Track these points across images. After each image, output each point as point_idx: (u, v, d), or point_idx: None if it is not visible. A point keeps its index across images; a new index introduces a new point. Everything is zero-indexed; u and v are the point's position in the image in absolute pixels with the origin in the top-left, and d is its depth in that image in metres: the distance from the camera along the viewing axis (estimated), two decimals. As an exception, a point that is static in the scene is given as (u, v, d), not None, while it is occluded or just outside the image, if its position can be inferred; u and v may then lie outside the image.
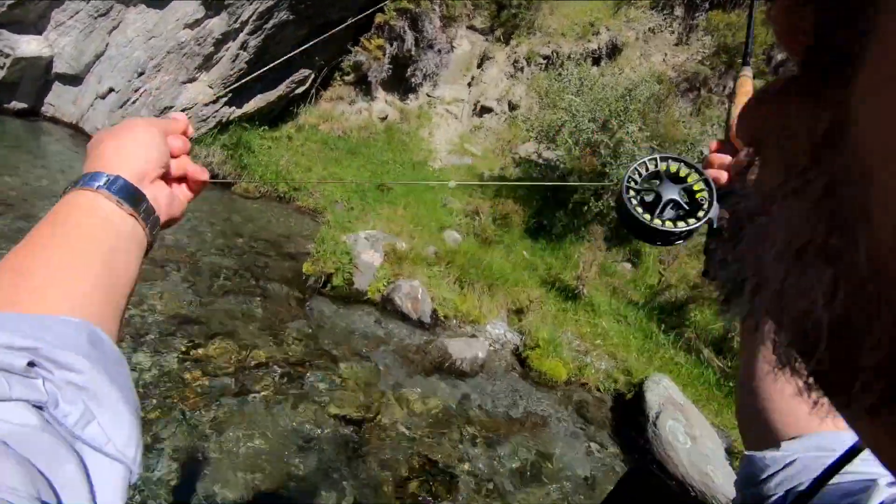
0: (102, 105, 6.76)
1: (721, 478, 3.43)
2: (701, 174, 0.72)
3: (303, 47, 2.10)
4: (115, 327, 0.46)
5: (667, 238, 0.71)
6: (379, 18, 8.98)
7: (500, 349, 4.81)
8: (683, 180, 0.73)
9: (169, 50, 6.47)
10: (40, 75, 6.80)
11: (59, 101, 6.99)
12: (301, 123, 8.67)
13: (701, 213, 0.69)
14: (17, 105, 6.86)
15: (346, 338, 4.24)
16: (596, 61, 10.25)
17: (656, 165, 0.74)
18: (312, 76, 8.52)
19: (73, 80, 6.88)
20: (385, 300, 4.84)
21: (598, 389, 4.58)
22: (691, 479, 3.48)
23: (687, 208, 0.71)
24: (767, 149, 0.21)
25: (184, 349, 3.48)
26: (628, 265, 6.91)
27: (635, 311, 5.78)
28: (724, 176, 0.73)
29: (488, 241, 6.39)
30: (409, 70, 9.97)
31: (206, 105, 6.85)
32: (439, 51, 10.26)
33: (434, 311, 4.86)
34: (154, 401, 2.96)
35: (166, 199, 0.55)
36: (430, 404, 3.70)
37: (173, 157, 0.59)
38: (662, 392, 4.17)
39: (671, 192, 0.71)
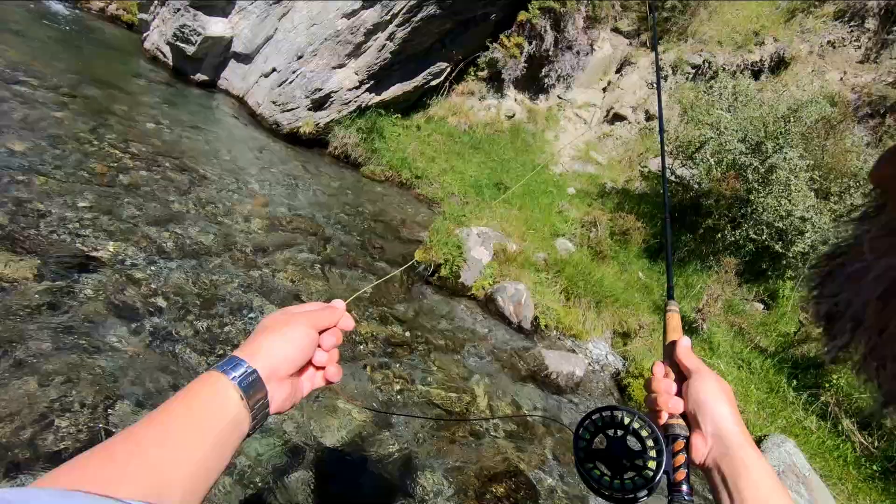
0: (265, 83, 7.58)
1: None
2: (650, 426, 0.69)
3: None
4: None
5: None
6: (521, 16, 8.92)
7: (598, 370, 4.57)
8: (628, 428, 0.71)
9: (326, 37, 7.05)
10: (220, 53, 7.82)
11: (232, 76, 7.99)
12: (431, 114, 8.96)
13: (649, 472, 0.66)
14: (199, 77, 7.97)
15: (444, 328, 4.32)
16: (755, 75, 9.21)
17: (611, 418, 0.72)
18: (448, 69, 8.74)
19: (245, 58, 7.80)
20: (488, 299, 4.84)
21: (705, 436, 4.15)
22: (807, 565, 3.02)
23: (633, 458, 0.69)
24: (888, 194, 0.21)
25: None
26: (760, 305, 6.15)
27: (761, 358, 5.13)
28: (674, 406, 0.70)
29: (602, 255, 6.09)
30: (543, 70, 9.80)
31: (350, 90, 7.36)
32: (578, 52, 9.94)
33: (535, 318, 4.75)
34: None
35: (282, 397, 0.64)
36: (519, 412, 3.64)
37: (324, 350, 0.71)
38: (784, 457, 3.66)
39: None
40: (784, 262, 5.97)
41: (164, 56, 8.12)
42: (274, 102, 7.37)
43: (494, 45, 9.06)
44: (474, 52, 9.02)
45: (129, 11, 9.45)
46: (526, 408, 3.71)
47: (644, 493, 0.64)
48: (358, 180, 7.07)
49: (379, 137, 7.62)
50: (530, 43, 9.24)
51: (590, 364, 4.55)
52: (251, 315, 3.42)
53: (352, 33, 6.96)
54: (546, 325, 4.77)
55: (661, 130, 1.29)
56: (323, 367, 0.72)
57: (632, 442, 0.69)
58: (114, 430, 2.27)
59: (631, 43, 10.78)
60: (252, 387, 0.58)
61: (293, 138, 7.37)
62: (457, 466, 2.93)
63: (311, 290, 4.07)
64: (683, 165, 7.24)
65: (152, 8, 8.06)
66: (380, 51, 7.22)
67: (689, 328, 5.26)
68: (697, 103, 7.25)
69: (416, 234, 5.79)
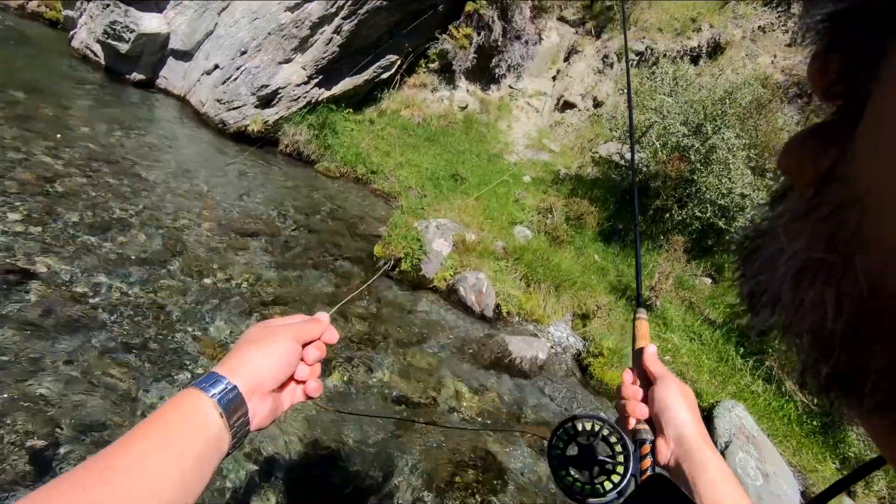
0: (208, 80, 7.28)
1: (794, 523, 3.15)
2: (618, 432, 0.73)
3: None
4: None
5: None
6: (469, 7, 8.93)
7: (560, 352, 4.70)
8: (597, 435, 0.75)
9: (270, 31, 6.83)
10: (157, 50, 7.44)
11: (172, 74, 7.63)
12: (383, 108, 8.86)
13: (617, 475, 0.70)
14: (136, 76, 7.57)
15: (408, 322, 4.32)
16: (694, 60, 9.60)
17: (581, 427, 0.76)
18: (399, 62, 8.66)
19: (185, 56, 7.46)
20: (450, 290, 4.87)
21: (662, 408, 4.35)
22: (758, 519, 3.23)
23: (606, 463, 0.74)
24: (793, 180, 0.23)
25: (259, 317, 3.71)
26: (708, 280, 6.47)
27: (711, 330, 5.41)
28: (641, 411, 0.76)
29: (559, 240, 6.23)
30: (493, 60, 9.87)
31: (298, 86, 7.18)
32: (526, 42, 10.06)
33: (497, 306, 4.82)
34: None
35: (263, 413, 0.62)
36: (486, 399, 3.70)
37: (307, 364, 0.69)
38: (734, 420, 3.88)
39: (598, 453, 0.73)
40: (728, 237, 6.30)
41: (96, 55, 7.65)
42: (218, 101, 7.10)
43: (444, 36, 9.04)
44: (424, 43, 8.97)
45: (51, 8, 8.84)
46: (491, 394, 3.78)
47: (614, 495, 0.68)
48: (312, 178, 6.93)
49: (331, 133, 7.48)
50: (479, 33, 9.27)
51: (552, 347, 4.66)
52: (206, 325, 3.31)
53: (296, 27, 6.78)
54: (508, 312, 4.85)
55: (632, 144, 1.33)
56: (304, 382, 0.70)
57: (602, 447, 0.73)
58: (59, 458, 2.16)
59: (577, 31, 11.00)
60: (232, 404, 0.56)
61: (241, 137, 7.12)
62: (425, 456, 2.96)
63: (268, 294, 3.97)
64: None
65: (78, 3, 7.57)
66: (327, 44, 7.07)
67: (644, 305, 5.47)
68: (641, 89, 7.50)
69: (374, 229, 5.74)
